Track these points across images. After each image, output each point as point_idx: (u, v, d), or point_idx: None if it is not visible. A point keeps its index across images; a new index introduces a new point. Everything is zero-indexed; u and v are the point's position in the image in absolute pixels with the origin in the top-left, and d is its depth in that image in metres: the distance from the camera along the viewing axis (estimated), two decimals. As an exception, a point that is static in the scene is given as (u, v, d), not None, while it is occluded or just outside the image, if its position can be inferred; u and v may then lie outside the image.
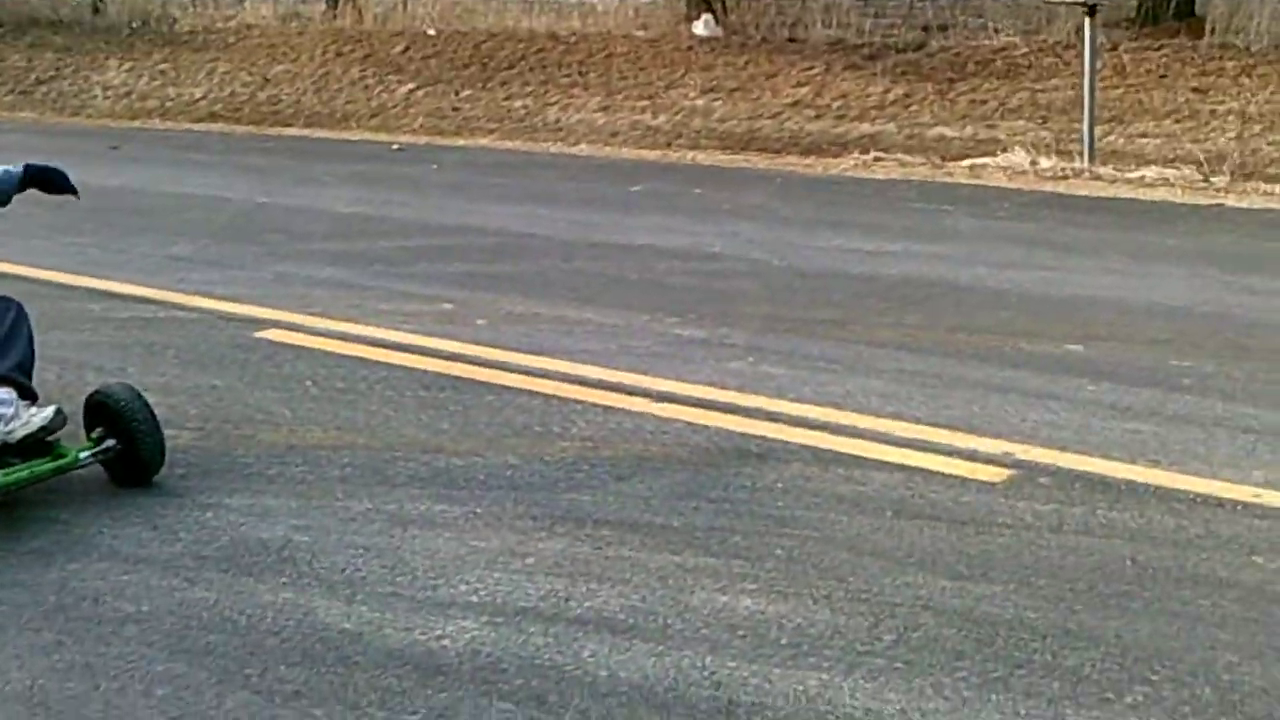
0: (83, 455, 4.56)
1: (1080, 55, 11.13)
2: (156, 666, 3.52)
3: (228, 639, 3.66)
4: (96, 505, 4.55)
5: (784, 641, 3.53)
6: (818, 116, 13.77)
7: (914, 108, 13.37)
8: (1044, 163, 10.24)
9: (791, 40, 15.72)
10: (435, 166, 11.50)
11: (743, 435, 5.00)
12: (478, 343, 6.24)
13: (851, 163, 11.22)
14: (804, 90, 14.31)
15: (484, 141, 13.17)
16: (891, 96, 13.67)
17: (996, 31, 14.59)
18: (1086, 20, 10.34)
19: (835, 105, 13.89)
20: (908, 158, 11.24)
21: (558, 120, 14.51)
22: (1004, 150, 11.17)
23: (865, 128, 13.21)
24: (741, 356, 5.91)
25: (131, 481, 4.67)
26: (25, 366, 4.66)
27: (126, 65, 17.65)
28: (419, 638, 3.64)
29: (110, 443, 4.61)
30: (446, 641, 3.61)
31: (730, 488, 4.53)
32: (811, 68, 14.63)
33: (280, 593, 3.90)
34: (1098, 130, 10.78)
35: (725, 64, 15.14)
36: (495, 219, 9.01)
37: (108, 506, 4.54)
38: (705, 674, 3.39)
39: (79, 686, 3.44)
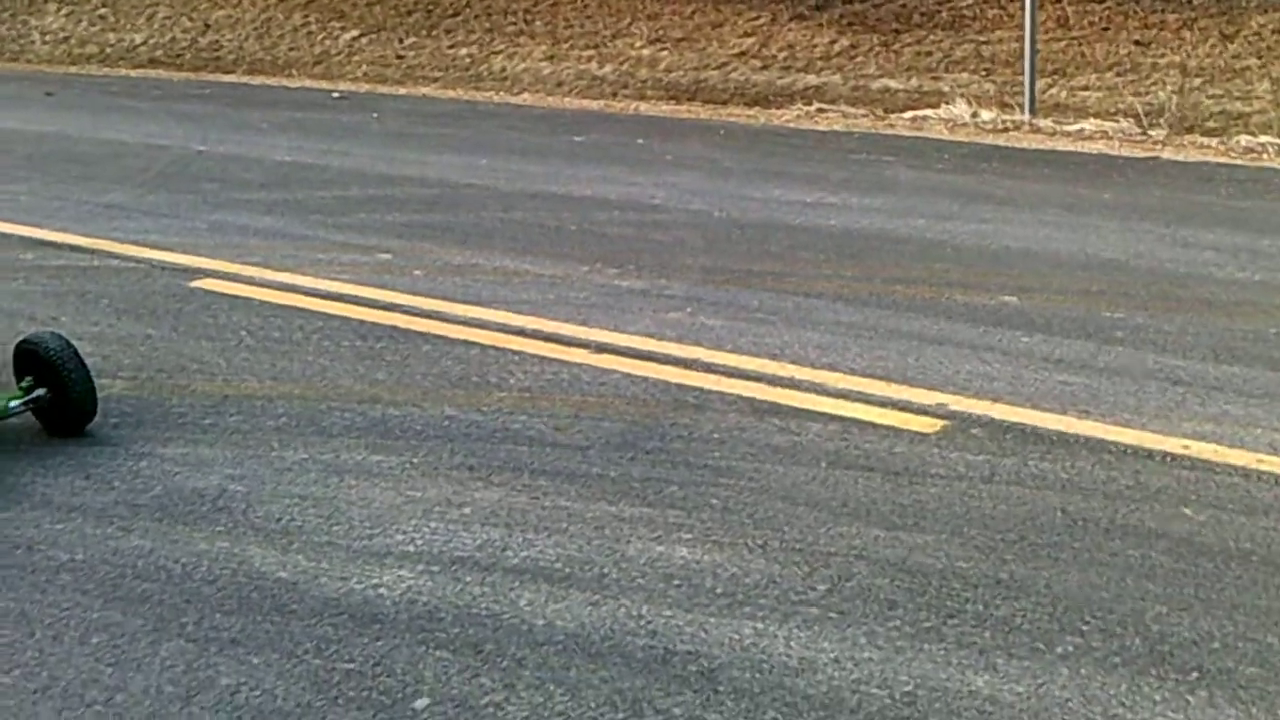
0: (13, 404, 4.51)
1: (1023, 7, 11.16)
2: (92, 614, 3.51)
3: (163, 587, 3.65)
4: (28, 454, 4.51)
5: (719, 591, 3.56)
6: (764, 67, 13.74)
7: (859, 59, 13.37)
8: (985, 115, 10.28)
9: (736, -12, 15.65)
10: (376, 115, 11.40)
11: (680, 386, 5.02)
12: (415, 293, 6.21)
13: (795, 114, 11.21)
14: (750, 40, 14.27)
15: (427, 90, 13.05)
16: (837, 47, 13.65)
17: (941, -18, 14.58)
18: (1029, -28, 10.36)
19: (781, 56, 13.85)
20: (851, 109, 11.26)
21: (503, 69, 14.40)
22: (947, 103, 11.20)
23: (811, 79, 13.19)
24: (680, 307, 5.92)
25: (63, 430, 4.63)
26: (-45, 315, 4.60)
27: (65, 10, 17.32)
28: (355, 586, 3.64)
29: (40, 391, 4.56)
30: (383, 590, 3.61)
31: (667, 438, 4.55)
32: (758, 18, 14.57)
33: (216, 541, 3.89)
34: (1040, 83, 10.84)
35: (672, 13, 15.05)
36: (435, 169, 8.95)
37: (39, 455, 4.50)
38: (641, 623, 3.41)
39: (13, 634, 3.42)
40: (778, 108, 11.95)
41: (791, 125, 10.73)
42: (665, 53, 14.49)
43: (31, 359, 4.61)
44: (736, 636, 3.34)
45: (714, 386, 4.99)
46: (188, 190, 8.37)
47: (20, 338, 4.73)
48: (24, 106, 12.11)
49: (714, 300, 6.00)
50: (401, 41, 15.54)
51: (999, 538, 3.82)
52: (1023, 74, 11.03)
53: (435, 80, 13.94)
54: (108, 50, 16.29)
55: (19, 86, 13.39)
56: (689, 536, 3.87)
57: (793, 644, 3.31)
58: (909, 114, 10.90)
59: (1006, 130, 9.88)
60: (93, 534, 3.95)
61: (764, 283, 6.23)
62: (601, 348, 5.43)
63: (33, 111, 11.81)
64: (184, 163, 9.28)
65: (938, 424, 4.58)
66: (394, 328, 5.76)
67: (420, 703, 3.12)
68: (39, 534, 3.96)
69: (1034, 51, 10.47)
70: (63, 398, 4.56)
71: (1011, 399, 4.78)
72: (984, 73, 12.63)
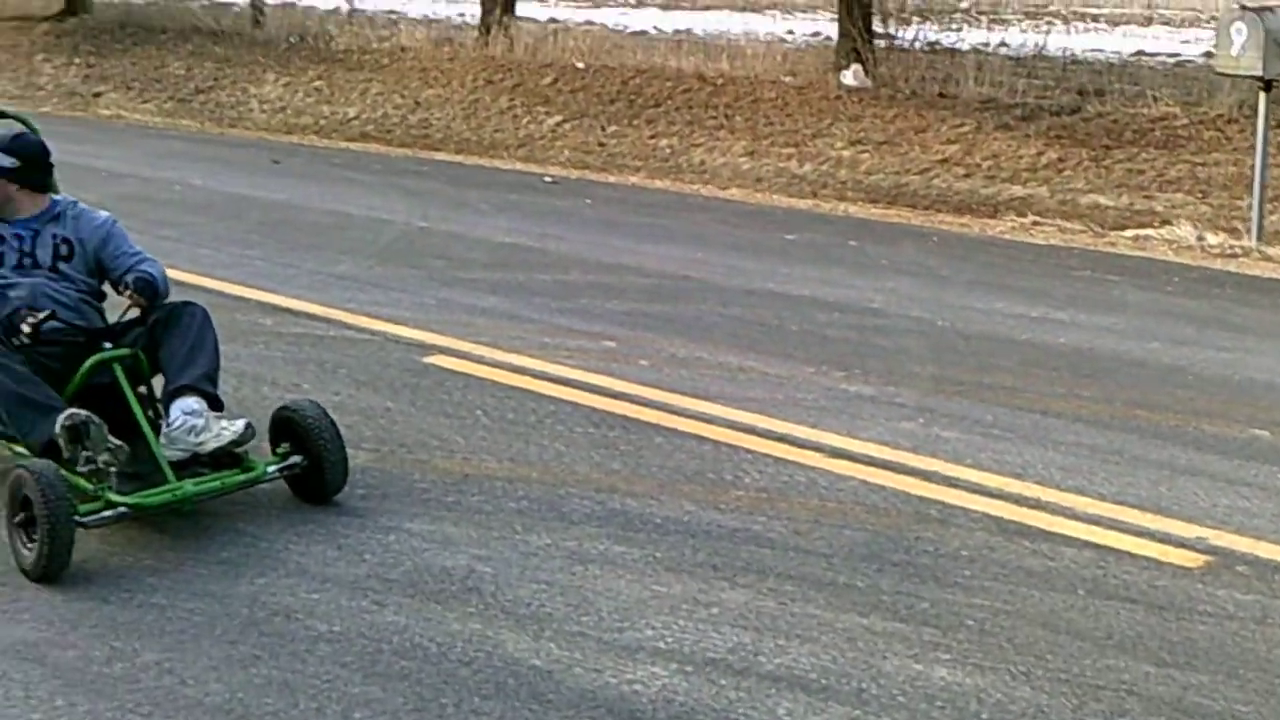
0: (270, 469, 4.61)
1: (1247, 130, 10.86)
2: (352, 689, 3.54)
3: (420, 665, 3.67)
4: (281, 520, 4.61)
5: (985, 716, 3.46)
6: (967, 175, 13.60)
7: (1067, 173, 13.15)
8: (1211, 239, 10.00)
9: (942, 95, 15.56)
10: (589, 202, 11.55)
11: (921, 499, 4.93)
12: (643, 383, 6.22)
13: (1009, 225, 11.04)
14: (954, 148, 14.15)
15: (635, 180, 13.19)
16: (1044, 160, 13.45)
17: (1155, 100, 14.30)
18: (1261, 95, 10.07)
19: (985, 165, 13.70)
20: (1066, 224, 11.05)
21: (702, 162, 14.50)
22: (1162, 222, 10.92)
23: (1016, 190, 13.01)
24: (912, 417, 5.83)
25: (314, 498, 4.72)
26: (212, 375, 4.73)
27: (283, 80, 17.98)
28: (610, 680, 3.62)
29: (297, 458, 4.67)
30: (638, 687, 3.58)
31: (913, 552, 4.46)
32: (962, 125, 14.46)
33: (468, 623, 3.91)
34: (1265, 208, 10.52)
35: (873, 116, 15.02)
36: (651, 259, 9.01)
37: (291, 522, 4.59)
38: (905, 744, 3.32)
39: (277, 703, 3.47)
40: (985, 217, 11.81)
41: (1006, 236, 10.57)
42: (866, 155, 14.44)
43: (289, 426, 4.72)
44: (1009, 769, 3.23)
45: (957, 501, 4.89)
46: (414, 265, 8.55)
47: (280, 405, 4.85)
48: (251, 172, 12.55)
49: (947, 412, 5.89)
50: (604, 129, 15.78)
51: (1278, 682, 3.64)
52: (1243, 198, 10.71)
53: (636, 169, 14.11)
54: (322, 122, 16.82)
55: (245, 153, 13.89)
56: (947, 657, 3.77)
57: (1069, 782, 3.18)
58: (1129, 232, 10.66)
59: (1235, 255, 9.57)
60: (348, 606, 4.00)
61: (997, 397, 6.10)
62: (836, 453, 5.36)
63: (259, 178, 12.23)
64: (409, 238, 9.50)
65: (1200, 559, 4.40)
66: (625, 417, 5.77)
67: (687, 809, 3.06)
68: (295, 602, 4.03)
69: (1265, 176, 10.17)
70: (318, 466, 4.65)
71: (1276, 537, 4.58)
72: (1200, 194, 12.32)
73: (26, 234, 4.85)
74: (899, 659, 3.76)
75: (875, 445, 5.46)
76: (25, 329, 4.47)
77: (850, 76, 16.13)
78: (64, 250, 4.88)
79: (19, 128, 5.17)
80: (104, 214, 5.06)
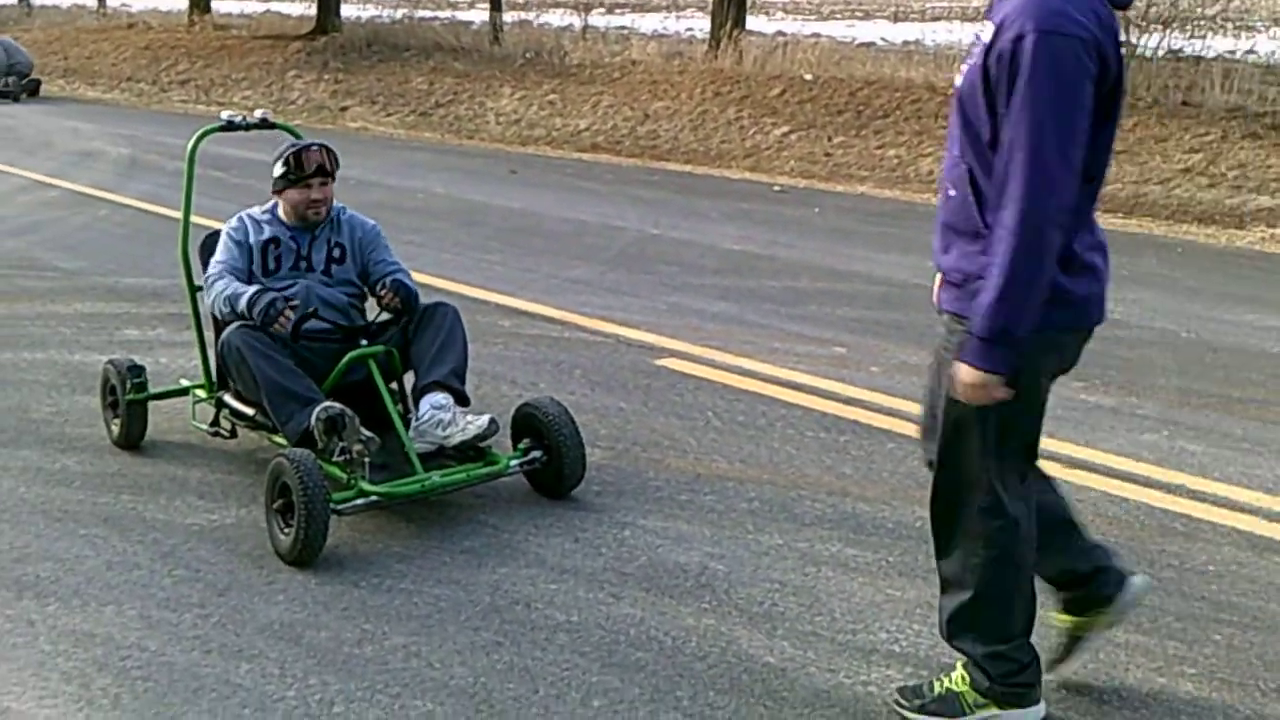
0: (512, 463, 4.75)
1: None
2: (591, 677, 3.62)
3: (655, 658, 3.73)
4: (521, 513, 4.74)
5: (1234, 734, 3.35)
6: (1211, 185, 13.12)
7: (1320, 182, 12.59)
8: None
9: (1185, 104, 15.05)
10: (817, 210, 11.53)
11: (1164, 511, 4.79)
12: (873, 389, 6.19)
13: (1257, 235, 10.62)
14: (1197, 157, 13.67)
15: (860, 189, 13.13)
16: (1295, 168, 12.91)
17: None
18: None
19: (1231, 175, 13.19)
20: (1319, 235, 10.61)
21: (931, 172, 14.32)
22: None
23: (1264, 200, 12.49)
24: (1155, 429, 5.66)
25: (552, 493, 4.84)
26: (459, 372, 4.89)
27: (519, 94, 18.45)
28: (844, 680, 3.62)
29: (537, 454, 4.80)
30: (873, 689, 3.58)
31: (1156, 565, 4.34)
32: (1206, 134, 13.96)
33: (702, 618, 3.96)
34: None
35: (1111, 124, 14.62)
36: (880, 267, 8.95)
37: (531, 515, 4.72)
38: (1150, 758, 3.24)
39: (519, 689, 3.57)
40: (1231, 227, 11.39)
41: (1255, 248, 10.18)
42: (1102, 164, 14.07)
43: (530, 422, 4.85)
44: (1261, 788, 3.12)
45: (1203, 515, 4.73)
46: (645, 271, 8.68)
47: (521, 402, 4.99)
48: (489, 182, 12.91)
49: (1192, 425, 5.71)
50: (830, 140, 15.72)
51: None
52: None
53: (863, 179, 14.02)
54: (554, 133, 17.19)
55: (483, 163, 14.31)
56: (1192, 671, 3.66)
57: (1326, 805, 3.06)
58: (1388, 244, 10.17)
59: None
60: (585, 598, 4.09)
61: (1246, 411, 5.88)
62: (1075, 463, 5.25)
63: (497, 187, 12.57)
64: (640, 244, 9.64)
65: None
66: (856, 422, 5.75)
67: (923, 810, 3.05)
68: (535, 591, 4.14)
69: None
70: (557, 462, 4.77)
71: None
72: None
73: (303, 238, 5.10)
74: (1142, 671, 3.67)
75: (1116, 456, 5.33)
76: (285, 320, 4.70)
77: (1088, 84, 15.69)
78: (336, 254, 5.12)
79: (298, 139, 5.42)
80: (372, 221, 5.29)
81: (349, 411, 4.48)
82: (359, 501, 4.44)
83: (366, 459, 4.48)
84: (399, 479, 4.51)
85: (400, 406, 4.92)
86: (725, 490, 4.98)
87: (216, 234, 5.22)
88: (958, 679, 3.34)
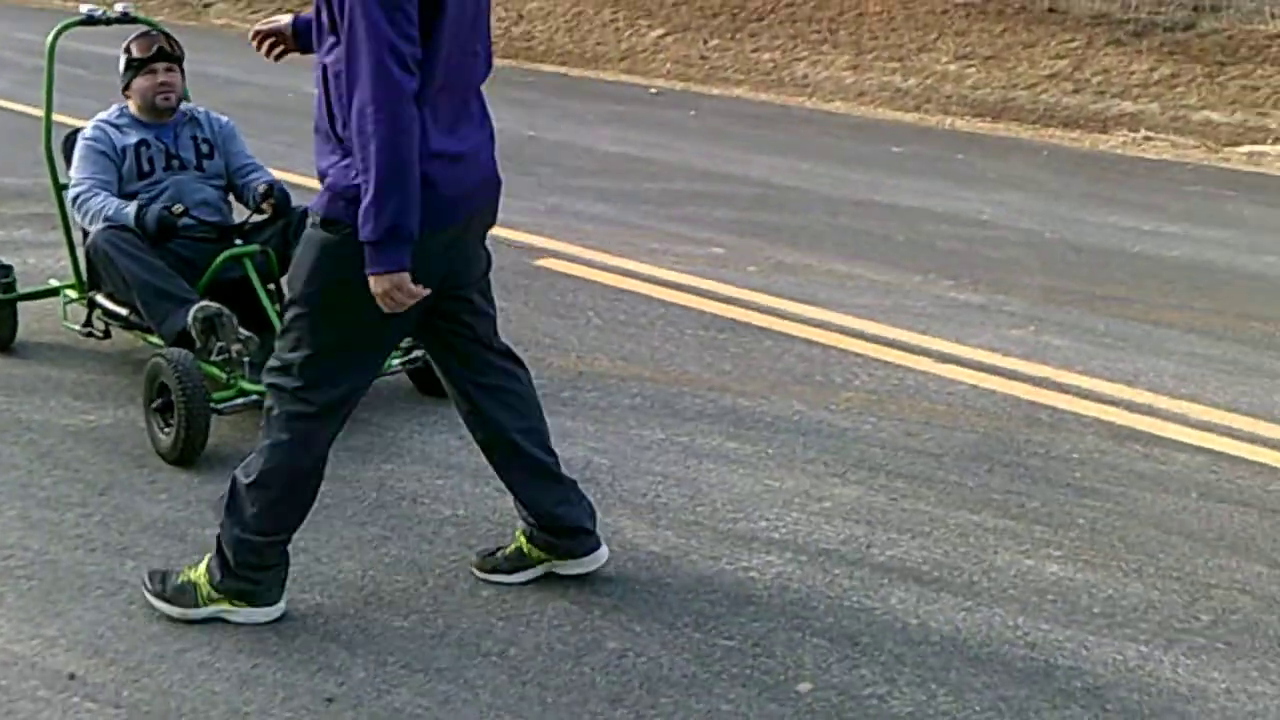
0: (394, 363, 4.74)
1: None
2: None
3: (542, 549, 3.79)
4: (404, 412, 4.75)
5: (1096, 610, 3.51)
6: (1076, 91, 13.38)
7: (1180, 89, 12.89)
8: (1327, 155, 9.83)
9: (1051, 10, 15.27)
10: (693, 113, 11.55)
11: (1031, 403, 4.96)
12: (751, 288, 6.28)
13: (1120, 140, 10.90)
14: (1063, 63, 13.91)
15: (736, 92, 13.16)
16: (1156, 75, 13.19)
17: (1273, 16, 13.95)
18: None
19: (1095, 80, 13.46)
20: (1179, 139, 10.89)
21: (805, 76, 14.40)
22: (1277, 139, 10.73)
23: (1127, 105, 12.79)
24: (1022, 325, 5.84)
25: (435, 391, 4.84)
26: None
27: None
28: (726, 567, 3.72)
29: (419, 353, 4.79)
30: (754, 574, 3.68)
31: (1023, 454, 4.50)
32: (1072, 40, 14.21)
33: (587, 511, 4.02)
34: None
35: (980, 30, 14.80)
36: (756, 169, 9.02)
37: (414, 414, 4.73)
38: (1018, 633, 3.39)
39: (407, 580, 3.61)
40: (1095, 132, 11.65)
41: (1118, 151, 10.43)
42: (972, 69, 14.24)
43: (412, 320, 4.83)
44: (1120, 657, 3.28)
45: (1067, 407, 4.91)
46: (523, 173, 8.63)
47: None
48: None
49: (1057, 321, 5.89)
50: (705, 43, 15.69)
51: (1391, 589, 3.66)
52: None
53: (738, 83, 14.04)
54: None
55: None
56: (1058, 553, 3.83)
57: (1180, 670, 3.23)
58: (1244, 149, 10.49)
59: (1353, 171, 9.42)
60: (471, 492, 4.14)
61: (1108, 308, 6.09)
62: (945, 358, 5.40)
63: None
64: (517, 146, 9.57)
65: (1314, 466, 4.41)
66: (734, 320, 5.84)
67: (803, 686, 3.16)
68: (421, 488, 4.17)
69: (1387, 91, 9.94)
70: (439, 359, 4.77)
71: (1392, 447, 4.56)
72: (1317, 110, 12.06)
73: (168, 135, 5.00)
74: (1010, 554, 3.82)
75: (984, 351, 5.49)
76: (178, 222, 4.64)
77: (958, -10, 15.86)
78: (205, 149, 5.03)
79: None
80: (226, 117, 5.20)
81: (226, 311, 4.43)
82: (239, 401, 4.41)
83: (246, 358, 4.44)
84: (280, 378, 4.47)
85: (278, 306, 4.86)
86: (607, 387, 5.03)
87: (79, 132, 5.09)
88: (200, 573, 3.38)
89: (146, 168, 4.94)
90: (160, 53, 4.95)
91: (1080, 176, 9.18)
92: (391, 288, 2.97)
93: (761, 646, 3.32)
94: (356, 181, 2.92)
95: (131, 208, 4.71)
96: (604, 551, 3.61)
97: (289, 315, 3.20)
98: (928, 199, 8.23)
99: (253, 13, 18.27)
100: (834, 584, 3.64)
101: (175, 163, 4.98)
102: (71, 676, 3.14)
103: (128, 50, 4.97)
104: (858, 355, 5.45)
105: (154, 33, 5.00)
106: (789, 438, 4.61)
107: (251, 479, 3.24)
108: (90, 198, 4.80)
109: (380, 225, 2.89)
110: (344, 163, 2.98)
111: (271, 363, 3.24)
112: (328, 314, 3.13)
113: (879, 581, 3.65)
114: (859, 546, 3.85)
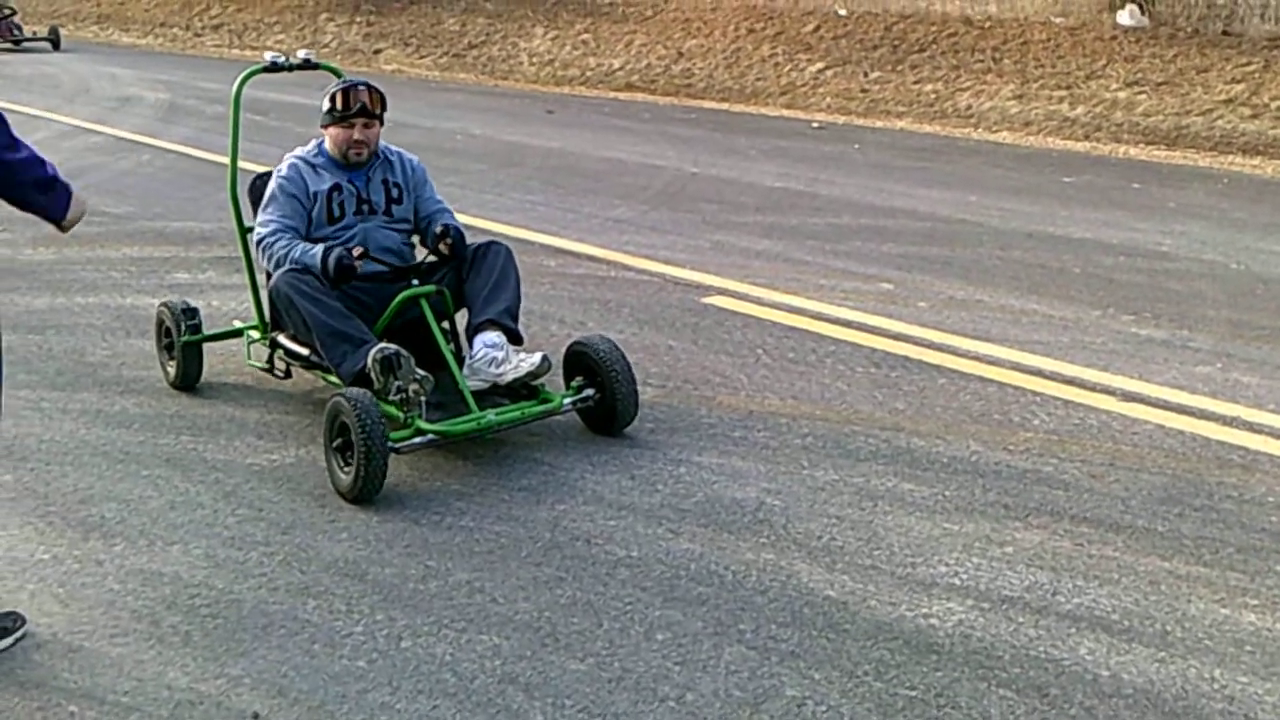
0: (565, 402, 4.76)
1: None
2: (654, 612, 3.65)
3: (717, 592, 3.75)
4: (576, 451, 4.75)
5: (1300, 664, 3.35)
6: (1254, 116, 12.98)
7: (1367, 111, 12.44)
8: None
9: (1225, 33, 14.87)
10: (857, 147, 11.47)
11: (1221, 443, 4.77)
12: (922, 324, 6.18)
13: (1307, 166, 10.56)
14: (1239, 87, 13.52)
15: (899, 125, 13.04)
16: (1341, 98, 12.75)
17: None
18: None
19: (1275, 105, 13.05)
20: (1368, 165, 10.51)
21: (969, 107, 14.21)
22: None
23: (1310, 130, 12.37)
24: (1208, 361, 5.64)
25: (606, 430, 4.85)
26: (512, 311, 4.89)
27: (551, 34, 18.37)
28: (905, 614, 3.63)
29: (590, 391, 4.81)
30: (934, 621, 3.59)
31: (1215, 497, 4.33)
32: (1248, 63, 13.79)
33: (761, 553, 3.97)
34: None
35: (1151, 56, 14.46)
36: (924, 203, 8.91)
37: (586, 453, 4.74)
38: (1215, 686, 3.25)
39: (583, 623, 3.60)
40: (1277, 159, 11.27)
41: (1302, 178, 10.10)
42: (1143, 96, 13.92)
43: (583, 360, 4.86)
44: (1328, 716, 3.12)
45: (1260, 447, 4.71)
46: (687, 210, 8.66)
47: (572, 340, 4.99)
48: (526, 122, 12.88)
49: (1246, 357, 5.68)
50: (866, 75, 15.60)
51: None
52: None
53: (900, 115, 13.92)
54: (588, 73, 17.12)
55: (518, 104, 14.27)
56: (1255, 602, 3.66)
57: (1395, 733, 3.06)
58: None
59: None
60: (644, 533, 4.11)
61: (1300, 342, 5.86)
62: (1128, 396, 5.23)
63: (535, 127, 12.54)
64: (680, 183, 9.62)
65: None
66: (906, 358, 5.75)
67: (991, 739, 3.07)
68: (594, 528, 4.16)
69: None
70: (610, 399, 4.78)
71: None
72: None
73: (360, 179, 5.08)
74: (1204, 603, 3.67)
75: (1170, 389, 5.31)
76: (358, 266, 4.72)
77: (1126, 16, 15.56)
78: (395, 194, 5.10)
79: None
80: (415, 158, 5.27)
81: (404, 351, 4.50)
82: (416, 440, 4.47)
83: (422, 398, 4.50)
84: (454, 418, 4.52)
85: (453, 346, 4.93)
86: (778, 426, 4.98)
87: (266, 176, 5.21)
88: None
89: (337, 212, 5.01)
90: (362, 110, 5.02)
91: (1264, 205, 8.87)
92: None
93: (945, 697, 3.23)
94: None
95: (318, 251, 4.80)
96: None
97: None
98: (1103, 230, 8.02)
99: (420, 58, 18.69)
100: (1019, 633, 3.53)
101: (365, 207, 5.04)
102: (255, 716, 3.19)
103: (333, 98, 5.01)
104: (1036, 394, 5.31)
105: (362, 87, 5.01)
106: (967, 479, 4.51)
107: None
108: (275, 241, 4.90)
109: None
110: None
111: None
112: None
113: (1066, 631, 3.53)
114: (1044, 594, 3.73)
